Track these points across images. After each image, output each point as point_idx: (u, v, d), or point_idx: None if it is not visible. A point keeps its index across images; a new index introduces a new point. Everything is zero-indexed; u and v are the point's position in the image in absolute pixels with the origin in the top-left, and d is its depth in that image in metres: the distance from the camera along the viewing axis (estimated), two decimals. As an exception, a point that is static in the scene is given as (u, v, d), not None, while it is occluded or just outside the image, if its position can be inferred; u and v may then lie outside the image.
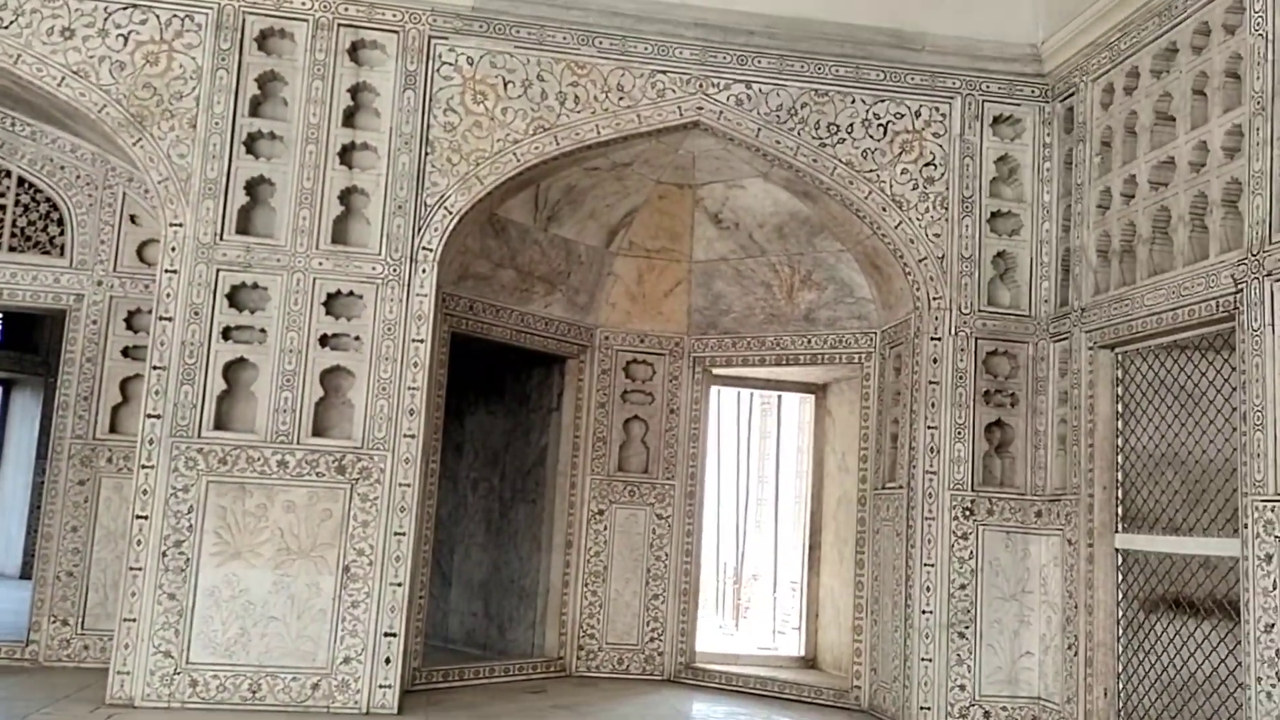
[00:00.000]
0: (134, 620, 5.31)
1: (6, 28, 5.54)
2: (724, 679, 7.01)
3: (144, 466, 5.41)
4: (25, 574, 11.46)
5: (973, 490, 6.00)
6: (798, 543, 9.00)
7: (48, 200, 6.59)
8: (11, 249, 6.52)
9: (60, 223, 6.58)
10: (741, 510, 11.47)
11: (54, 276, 6.51)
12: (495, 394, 8.08)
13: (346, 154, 5.83)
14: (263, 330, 5.65)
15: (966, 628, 5.90)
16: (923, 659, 5.86)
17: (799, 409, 11.86)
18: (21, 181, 6.59)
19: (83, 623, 6.33)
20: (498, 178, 5.96)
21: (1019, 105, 6.34)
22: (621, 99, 6.09)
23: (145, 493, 5.40)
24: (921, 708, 5.83)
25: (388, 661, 5.51)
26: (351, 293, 5.75)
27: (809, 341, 7.11)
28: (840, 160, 6.20)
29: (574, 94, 6.05)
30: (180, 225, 5.61)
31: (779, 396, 10.77)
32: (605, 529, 7.24)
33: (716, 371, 7.53)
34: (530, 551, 7.54)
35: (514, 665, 6.89)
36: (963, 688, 5.86)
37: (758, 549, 11.59)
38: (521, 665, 6.91)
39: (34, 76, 5.57)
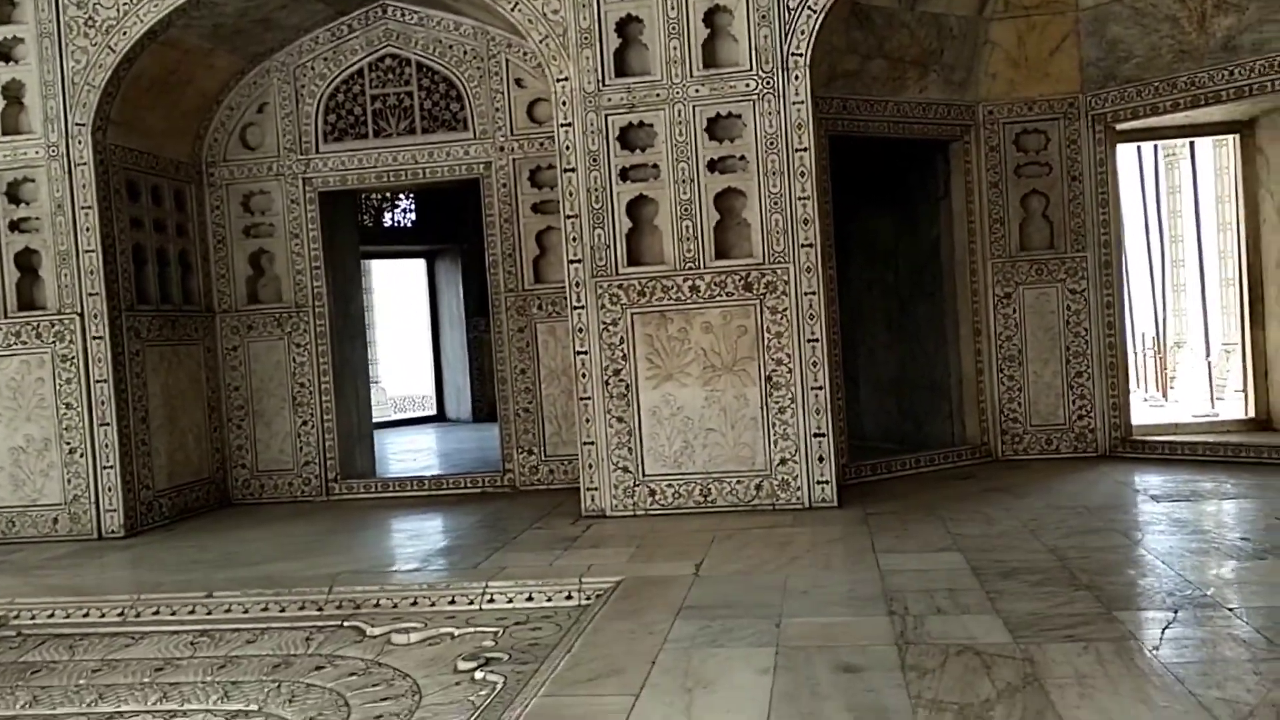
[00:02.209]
0: (592, 443, 5.95)
1: (385, -75, 5.98)
2: (1165, 449, 6.67)
3: (575, 307, 5.94)
4: (474, 418, 13.14)
5: None
6: (1231, 301, 8.20)
7: (445, 80, 7.18)
8: (424, 130, 7.21)
9: (459, 99, 7.17)
10: (1156, 275, 10.57)
11: (463, 149, 7.14)
12: (876, 193, 7.93)
13: (704, -27, 5.81)
14: (655, 166, 5.89)
15: None
16: None
17: (1214, 155, 10.61)
18: (420, 67, 7.21)
19: (544, 451, 7.16)
20: (858, -37, 5.69)
21: None
22: None
23: (581, 330, 5.93)
24: None
25: (820, 460, 5.78)
26: (730, 114, 5.82)
27: (1231, 74, 6.27)
28: None
29: None
30: (566, 79, 5.91)
31: (1190, 144, 9.69)
32: (1014, 312, 7.01)
33: (1120, 127, 6.88)
34: (936, 345, 7.48)
35: (938, 455, 6.97)
36: None
37: (1179, 314, 10.71)
38: (946, 454, 6.98)
39: (416, -34, 6.01)
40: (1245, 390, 7.56)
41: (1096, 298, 6.89)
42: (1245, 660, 2.91)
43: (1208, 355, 9.66)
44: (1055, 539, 4.59)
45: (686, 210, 5.84)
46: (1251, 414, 7.33)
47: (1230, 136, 7.46)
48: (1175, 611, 3.40)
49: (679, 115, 5.83)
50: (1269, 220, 7.13)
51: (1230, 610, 3.38)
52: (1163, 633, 3.20)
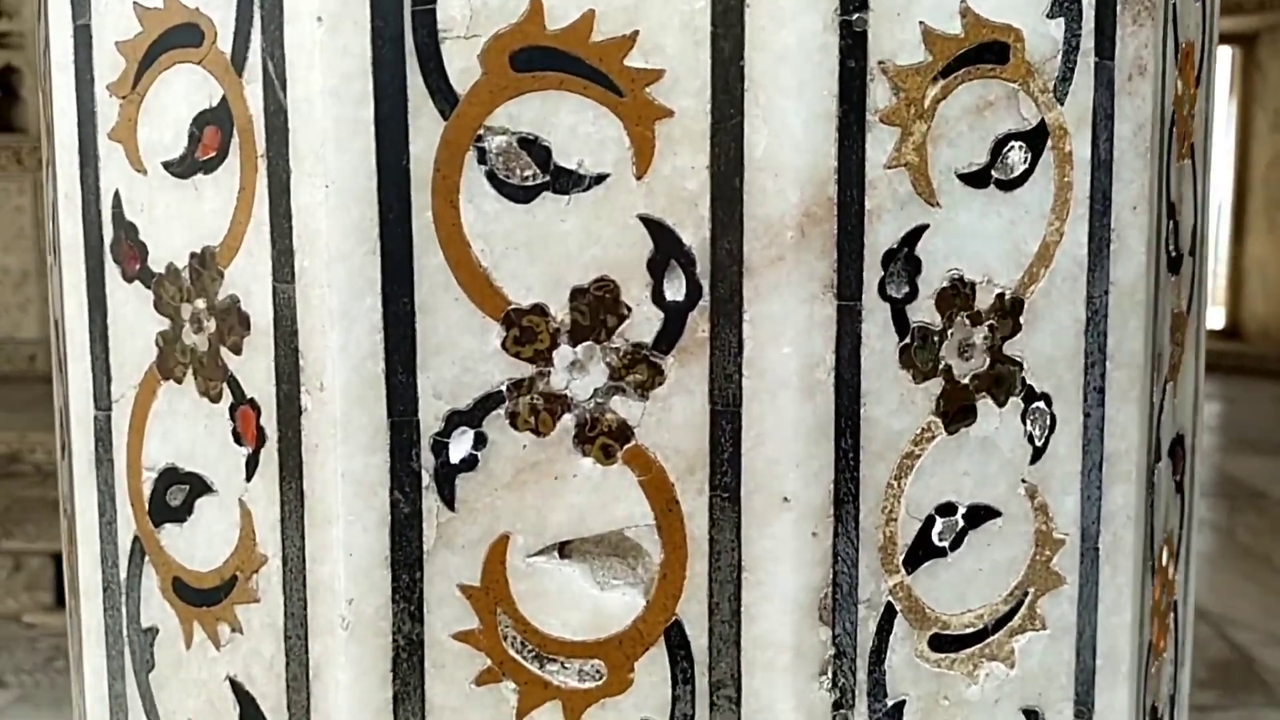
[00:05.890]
0: None
1: None
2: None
3: None
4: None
5: None
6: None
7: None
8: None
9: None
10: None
11: None
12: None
13: None
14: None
15: None
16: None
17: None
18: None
19: None
20: None
21: None
22: None
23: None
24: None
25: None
26: None
27: (1256, -16, 6.32)
28: None
29: None
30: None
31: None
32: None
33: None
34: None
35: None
36: None
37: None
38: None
39: None
40: (1215, 303, 7.87)
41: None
42: (1316, 546, 3.09)
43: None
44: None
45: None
46: (1223, 325, 7.62)
47: (1233, 48, 7.55)
48: (1232, 500, 3.58)
49: None
50: (1259, 135, 7.29)
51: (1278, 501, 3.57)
52: (1228, 518, 3.37)
